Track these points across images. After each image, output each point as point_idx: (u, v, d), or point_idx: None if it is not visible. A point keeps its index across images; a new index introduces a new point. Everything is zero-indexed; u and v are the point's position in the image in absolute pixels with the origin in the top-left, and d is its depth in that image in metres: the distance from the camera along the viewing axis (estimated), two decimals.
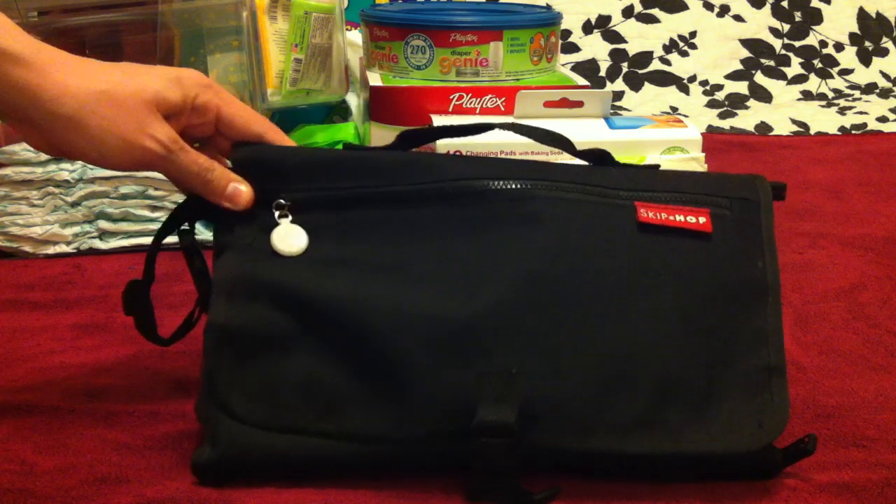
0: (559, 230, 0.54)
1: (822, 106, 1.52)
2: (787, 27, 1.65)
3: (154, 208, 0.92)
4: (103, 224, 0.92)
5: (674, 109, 1.50)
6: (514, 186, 0.55)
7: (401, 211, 0.55)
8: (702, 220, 0.55)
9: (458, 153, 0.80)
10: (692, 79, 1.58)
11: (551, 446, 0.51)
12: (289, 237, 0.55)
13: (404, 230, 0.55)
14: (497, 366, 0.51)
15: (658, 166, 0.60)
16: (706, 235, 0.55)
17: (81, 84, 0.52)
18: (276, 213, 0.56)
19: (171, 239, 0.95)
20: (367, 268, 0.54)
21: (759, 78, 1.60)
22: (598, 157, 0.60)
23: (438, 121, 0.86)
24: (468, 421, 0.50)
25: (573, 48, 1.61)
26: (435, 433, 0.51)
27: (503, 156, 0.81)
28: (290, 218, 0.55)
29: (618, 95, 1.54)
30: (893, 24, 1.67)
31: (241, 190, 0.56)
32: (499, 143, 0.80)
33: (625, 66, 1.59)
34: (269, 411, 0.52)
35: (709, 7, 1.65)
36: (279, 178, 0.56)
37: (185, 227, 0.59)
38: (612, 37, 1.62)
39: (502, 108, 0.92)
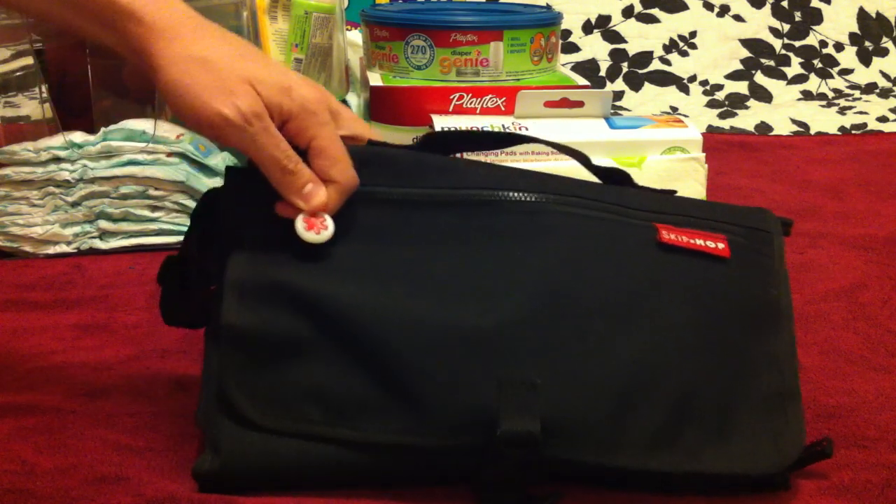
0: (576, 244, 0.54)
1: (823, 106, 1.52)
2: (787, 27, 1.65)
3: (154, 208, 0.92)
4: (103, 224, 0.92)
5: (674, 109, 1.50)
6: (533, 199, 0.55)
7: (418, 215, 0.54)
8: (720, 245, 0.56)
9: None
10: (692, 79, 1.58)
11: (571, 459, 0.50)
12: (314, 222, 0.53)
13: (421, 235, 0.54)
14: (516, 377, 0.50)
15: (675, 192, 0.60)
16: (724, 260, 0.56)
17: (184, 50, 0.51)
18: None
19: (174, 238, 0.95)
20: (384, 272, 0.53)
21: (759, 78, 1.60)
22: (618, 178, 0.60)
23: (439, 121, 0.86)
24: (486, 431, 0.49)
25: (573, 48, 1.61)
26: (452, 442, 0.50)
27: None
28: None
29: (618, 95, 1.54)
30: (893, 24, 1.67)
31: (319, 192, 0.52)
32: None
33: (625, 66, 1.59)
34: (280, 415, 0.51)
35: (709, 7, 1.65)
36: None
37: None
38: (612, 37, 1.62)
39: (502, 108, 0.92)
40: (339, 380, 0.51)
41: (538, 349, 0.51)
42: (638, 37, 1.62)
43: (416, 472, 0.52)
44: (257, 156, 0.52)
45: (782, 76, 1.60)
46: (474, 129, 0.58)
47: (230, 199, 0.55)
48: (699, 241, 0.56)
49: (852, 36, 1.65)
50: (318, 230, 0.53)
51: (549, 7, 1.58)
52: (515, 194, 0.55)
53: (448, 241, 0.54)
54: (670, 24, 1.63)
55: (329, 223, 0.53)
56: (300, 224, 0.53)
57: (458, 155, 0.80)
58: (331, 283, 0.52)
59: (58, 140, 0.91)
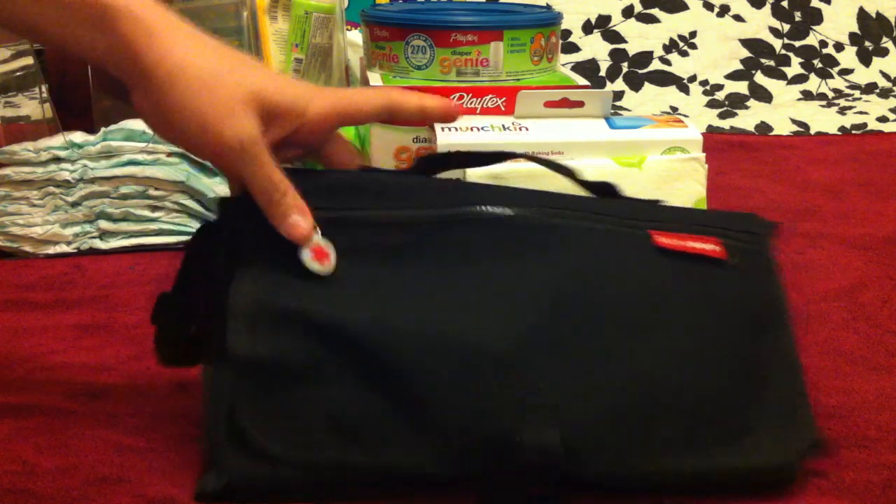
0: (583, 257, 0.54)
1: (823, 106, 1.52)
2: (787, 27, 1.65)
3: (154, 208, 0.92)
4: (104, 224, 0.92)
5: (674, 109, 1.50)
6: (536, 214, 0.55)
7: (427, 236, 0.54)
8: (715, 247, 0.56)
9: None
10: (692, 79, 1.58)
11: (591, 474, 0.51)
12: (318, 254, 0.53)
13: (431, 256, 0.54)
14: (534, 397, 0.50)
15: (659, 201, 0.61)
16: (721, 262, 0.56)
17: (187, 55, 0.50)
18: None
19: (174, 238, 0.94)
20: (396, 294, 0.52)
21: (759, 78, 1.60)
22: (606, 190, 0.60)
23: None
24: (505, 455, 0.49)
25: (573, 48, 1.61)
26: (470, 469, 0.50)
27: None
28: (319, 234, 0.53)
29: (618, 95, 1.54)
30: (893, 24, 1.67)
31: (300, 224, 0.52)
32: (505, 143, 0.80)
33: (625, 66, 1.59)
34: (293, 445, 0.50)
35: (709, 7, 1.65)
36: (304, 198, 0.53)
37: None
38: (612, 37, 1.62)
39: (503, 109, 0.92)
40: (354, 406, 0.50)
41: (552, 366, 0.51)
42: (638, 37, 1.62)
43: (424, 485, 0.52)
44: (249, 183, 0.52)
45: (782, 76, 1.60)
46: (465, 150, 0.59)
47: (232, 224, 0.54)
48: (694, 244, 0.56)
49: (852, 36, 1.65)
50: (326, 260, 0.52)
51: (549, 7, 1.58)
52: (518, 210, 0.55)
53: (456, 260, 0.54)
54: (670, 24, 1.63)
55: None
56: (307, 254, 0.52)
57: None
58: (342, 306, 0.51)
59: (58, 140, 0.91)
